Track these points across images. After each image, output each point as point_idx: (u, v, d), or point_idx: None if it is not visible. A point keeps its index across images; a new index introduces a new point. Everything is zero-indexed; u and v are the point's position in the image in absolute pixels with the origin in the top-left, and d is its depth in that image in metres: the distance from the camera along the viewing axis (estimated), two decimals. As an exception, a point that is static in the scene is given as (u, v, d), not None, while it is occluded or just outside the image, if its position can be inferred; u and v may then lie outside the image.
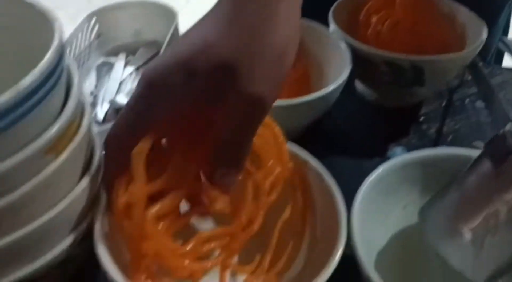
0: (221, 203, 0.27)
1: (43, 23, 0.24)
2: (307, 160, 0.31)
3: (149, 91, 0.23)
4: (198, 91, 0.22)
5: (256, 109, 0.23)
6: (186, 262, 0.26)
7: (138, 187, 0.24)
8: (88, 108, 0.26)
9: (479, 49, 0.41)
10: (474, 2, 0.44)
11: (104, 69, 0.49)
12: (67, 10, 1.39)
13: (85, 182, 0.26)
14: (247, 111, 0.23)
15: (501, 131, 0.26)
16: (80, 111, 0.25)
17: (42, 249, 0.25)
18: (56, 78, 0.22)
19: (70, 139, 0.24)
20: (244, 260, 0.30)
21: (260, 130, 0.27)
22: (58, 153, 0.23)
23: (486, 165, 0.26)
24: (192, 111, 0.24)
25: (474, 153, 0.31)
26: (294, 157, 0.31)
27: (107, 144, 0.25)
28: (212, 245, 0.27)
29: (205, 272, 0.27)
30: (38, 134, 0.22)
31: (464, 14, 0.45)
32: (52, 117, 0.23)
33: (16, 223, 0.23)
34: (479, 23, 0.43)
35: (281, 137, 0.29)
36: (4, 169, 0.21)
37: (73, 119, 0.24)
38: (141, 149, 0.24)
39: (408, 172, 0.31)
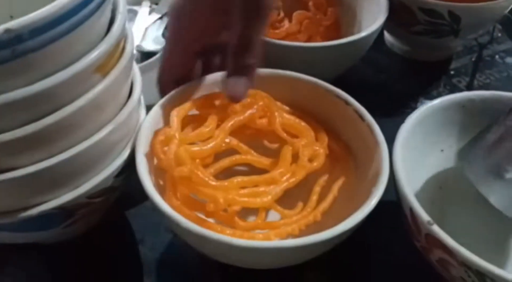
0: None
1: None
2: (346, 98, 0.30)
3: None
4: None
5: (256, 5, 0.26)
6: (220, 193, 0.25)
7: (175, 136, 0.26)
8: (130, 34, 0.26)
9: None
10: None
11: (128, 17, 0.48)
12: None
13: (129, 108, 0.25)
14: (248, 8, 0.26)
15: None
16: (124, 35, 0.25)
17: (86, 176, 0.25)
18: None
19: (116, 62, 0.24)
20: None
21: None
22: (105, 74, 0.23)
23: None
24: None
25: (516, 95, 0.30)
26: (333, 96, 0.30)
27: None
28: (251, 190, 0.26)
29: (241, 206, 0.26)
30: (87, 51, 0.22)
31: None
32: (99, 36, 0.22)
33: (62, 145, 0.23)
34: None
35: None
36: (55, 83, 0.20)
37: (119, 40, 0.23)
38: (180, 111, 0.27)
39: (448, 114, 0.30)
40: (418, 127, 0.29)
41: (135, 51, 0.42)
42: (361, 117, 0.29)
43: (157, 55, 0.34)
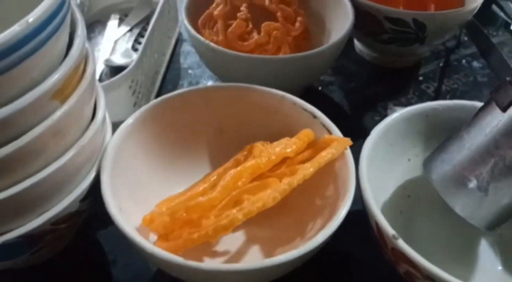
0: None
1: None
2: (313, 111, 0.30)
3: None
4: None
5: None
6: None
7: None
8: (91, 55, 0.25)
9: (479, 6, 0.41)
10: None
11: (97, 29, 0.47)
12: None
13: (91, 131, 0.25)
14: None
15: (507, 78, 0.27)
16: (84, 57, 0.24)
17: (50, 202, 0.24)
18: (63, 15, 0.21)
19: (76, 85, 0.23)
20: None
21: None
22: (65, 98, 0.23)
23: (492, 112, 0.26)
24: None
25: (477, 104, 0.31)
26: (300, 109, 0.31)
27: None
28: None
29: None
30: (44, 77, 0.21)
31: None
32: (57, 61, 0.22)
33: (23, 173, 0.22)
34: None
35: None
36: (9, 113, 0.20)
37: (78, 63, 0.23)
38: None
39: (413, 124, 0.31)
40: (383, 138, 0.29)
41: (103, 66, 0.42)
42: (328, 130, 0.29)
43: (125, 72, 0.34)
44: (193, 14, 0.40)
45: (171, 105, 0.31)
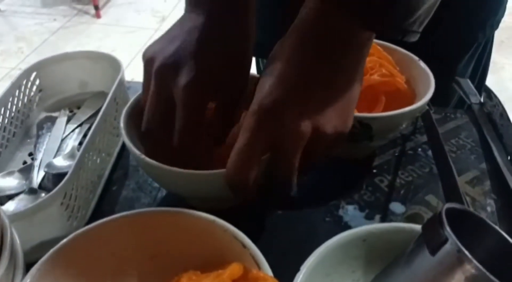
0: None
1: None
2: (242, 240, 0.29)
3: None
4: None
5: None
6: None
7: None
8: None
9: (426, 103, 0.40)
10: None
11: (46, 126, 0.46)
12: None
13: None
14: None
15: (438, 213, 0.25)
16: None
17: None
18: None
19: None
20: None
21: None
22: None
23: (422, 252, 0.25)
24: None
25: (415, 226, 0.30)
26: (230, 237, 0.29)
27: None
28: None
29: None
30: None
31: (414, 64, 0.45)
32: None
33: None
34: (427, 75, 0.42)
35: None
36: None
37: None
38: None
39: (350, 249, 0.29)
40: (317, 269, 0.28)
41: (43, 172, 0.41)
42: (257, 263, 0.28)
43: (53, 192, 0.32)
44: (136, 120, 0.39)
45: (96, 235, 0.29)
